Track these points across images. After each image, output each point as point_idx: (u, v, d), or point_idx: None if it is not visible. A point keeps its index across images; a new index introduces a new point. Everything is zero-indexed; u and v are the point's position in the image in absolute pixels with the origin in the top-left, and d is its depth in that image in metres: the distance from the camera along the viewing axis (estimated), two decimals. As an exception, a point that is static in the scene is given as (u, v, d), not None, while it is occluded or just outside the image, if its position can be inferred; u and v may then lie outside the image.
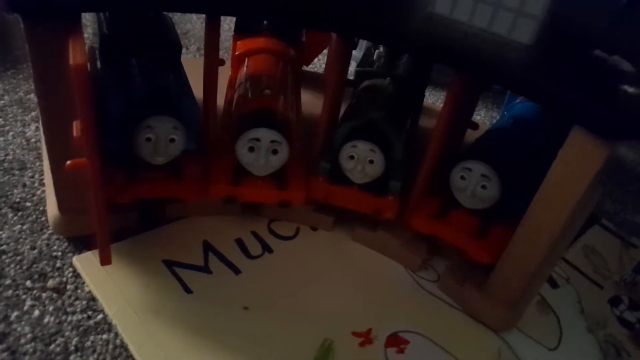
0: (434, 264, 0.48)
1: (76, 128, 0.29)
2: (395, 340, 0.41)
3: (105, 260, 0.37)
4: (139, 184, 0.42)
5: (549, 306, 0.46)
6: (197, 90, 0.43)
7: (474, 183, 0.42)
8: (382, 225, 0.48)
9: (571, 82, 0.33)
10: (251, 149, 0.42)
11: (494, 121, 0.68)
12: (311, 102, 0.55)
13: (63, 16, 0.32)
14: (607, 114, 0.31)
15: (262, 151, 0.42)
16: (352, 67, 0.52)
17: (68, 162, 0.32)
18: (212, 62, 0.41)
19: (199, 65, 0.41)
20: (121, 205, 0.42)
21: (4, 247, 0.42)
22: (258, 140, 0.42)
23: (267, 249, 0.47)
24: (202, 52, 0.42)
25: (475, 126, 0.49)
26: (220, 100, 0.50)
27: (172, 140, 0.41)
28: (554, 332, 0.44)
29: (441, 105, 0.42)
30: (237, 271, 0.44)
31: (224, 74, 0.45)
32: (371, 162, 0.43)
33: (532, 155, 0.44)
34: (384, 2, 0.40)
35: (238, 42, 0.54)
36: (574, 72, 0.34)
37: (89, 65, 0.45)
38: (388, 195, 0.45)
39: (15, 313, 0.37)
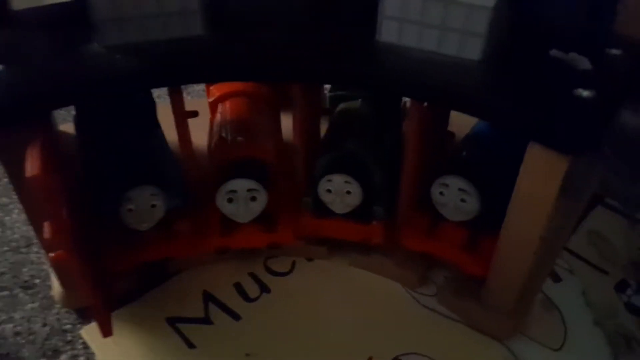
0: (433, 276, 0.48)
1: (47, 230, 0.31)
2: (398, 366, 0.42)
3: (106, 333, 0.39)
4: (132, 250, 0.44)
5: (552, 303, 0.46)
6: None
7: (453, 198, 0.42)
8: (377, 248, 0.48)
9: (523, 98, 0.33)
10: (230, 200, 0.44)
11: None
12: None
13: (24, 119, 0.34)
14: (560, 128, 0.31)
15: (240, 201, 0.43)
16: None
17: (51, 255, 0.34)
18: (181, 118, 0.41)
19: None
20: (122, 271, 0.44)
21: (18, 328, 0.45)
22: (235, 191, 0.43)
23: (264, 289, 0.48)
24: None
25: (451, 135, 0.49)
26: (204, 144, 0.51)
27: (153, 206, 0.42)
28: (558, 331, 0.44)
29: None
30: (237, 317, 0.45)
31: (205, 116, 0.46)
32: (348, 192, 0.44)
33: (512, 160, 0.44)
34: (331, 44, 0.39)
35: (211, 87, 0.55)
36: (526, 85, 0.34)
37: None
38: (372, 221, 0.45)
39: (35, 393, 0.40)
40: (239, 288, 0.48)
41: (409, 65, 0.36)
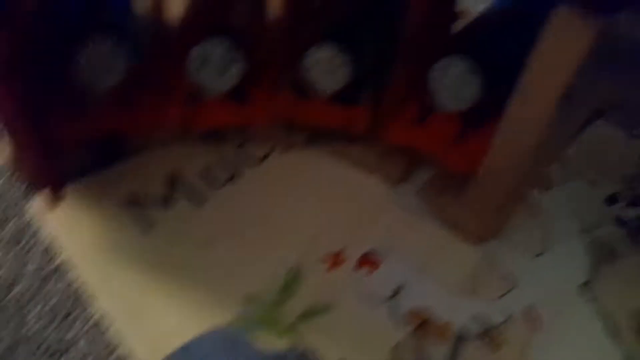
0: (417, 175, 0.45)
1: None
2: (368, 261, 0.39)
3: (54, 204, 0.35)
4: (87, 120, 0.39)
5: (539, 209, 0.44)
6: None
7: (454, 81, 0.37)
8: (360, 138, 0.44)
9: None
10: (202, 67, 0.38)
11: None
12: None
13: None
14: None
15: (212, 67, 0.38)
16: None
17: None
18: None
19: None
20: (75, 144, 0.39)
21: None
22: (208, 56, 0.38)
23: (234, 175, 0.44)
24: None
25: (454, 17, 0.43)
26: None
27: (111, 63, 0.36)
28: (542, 237, 0.42)
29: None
30: (201, 203, 0.42)
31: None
32: (336, 68, 0.39)
33: (520, 48, 0.39)
34: None
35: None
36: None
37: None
38: (358, 105, 0.41)
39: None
40: (206, 172, 0.44)
41: None
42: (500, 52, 0.38)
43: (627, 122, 0.53)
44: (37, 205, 0.40)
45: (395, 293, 0.38)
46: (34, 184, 0.40)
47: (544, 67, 0.30)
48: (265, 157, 0.45)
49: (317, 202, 0.42)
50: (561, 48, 0.28)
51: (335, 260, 0.39)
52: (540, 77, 0.30)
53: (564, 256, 0.41)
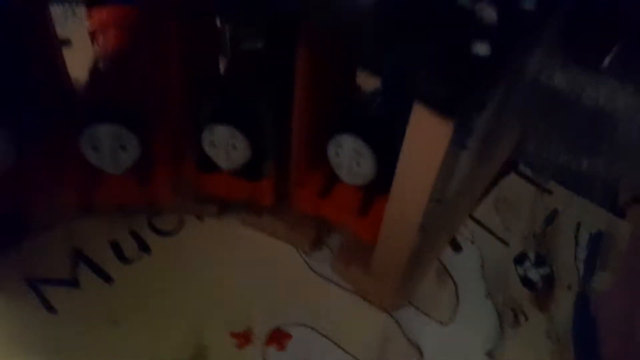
0: (329, 241, 0.45)
1: None
2: (277, 336, 0.39)
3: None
4: None
5: (448, 274, 0.44)
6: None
7: (348, 159, 0.38)
8: (270, 209, 0.44)
9: (412, 51, 0.28)
10: (95, 149, 0.38)
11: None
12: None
13: None
14: (446, 87, 0.27)
15: (106, 150, 0.38)
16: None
17: None
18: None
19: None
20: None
21: None
22: (98, 140, 0.37)
23: (145, 249, 0.43)
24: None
25: (357, 89, 0.45)
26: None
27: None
28: (450, 304, 0.42)
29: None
30: (109, 280, 0.41)
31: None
32: (234, 147, 0.39)
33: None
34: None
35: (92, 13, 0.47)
36: (420, 36, 0.29)
37: None
38: (261, 178, 0.41)
39: None
40: (115, 247, 0.43)
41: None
42: (390, 131, 0.38)
43: (540, 176, 0.54)
44: None
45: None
46: None
47: (413, 160, 0.30)
48: (177, 229, 0.45)
49: (229, 275, 0.42)
50: (424, 140, 0.29)
51: (245, 338, 0.38)
52: (411, 169, 0.31)
53: (470, 324, 0.41)
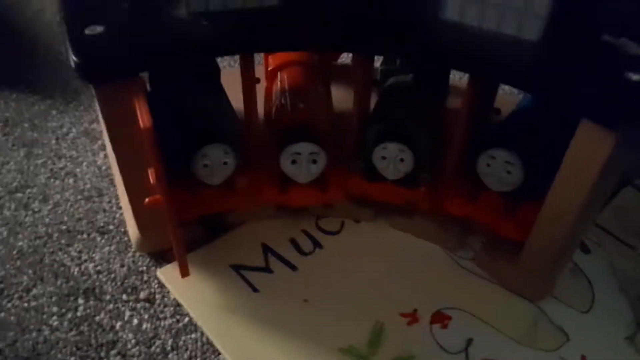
0: (471, 242, 0.53)
1: (151, 176, 0.36)
2: (439, 317, 0.46)
3: (184, 273, 0.45)
4: (200, 201, 0.49)
5: (581, 271, 0.50)
6: (235, 101, 0.49)
7: (499, 169, 0.46)
8: (419, 212, 0.53)
9: (577, 77, 0.36)
10: (293, 162, 0.48)
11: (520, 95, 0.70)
12: (343, 97, 0.59)
13: (124, 77, 0.38)
14: (610, 105, 0.34)
15: (303, 163, 0.48)
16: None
17: (146, 200, 0.39)
18: (249, 84, 0.46)
19: (234, 77, 0.46)
20: (187, 221, 0.49)
21: (99, 267, 0.50)
22: (299, 153, 0.47)
23: (317, 245, 0.53)
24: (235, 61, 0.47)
25: (497, 111, 0.52)
26: (260, 109, 0.55)
27: (225, 163, 0.47)
28: (586, 296, 0.48)
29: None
30: (294, 268, 0.50)
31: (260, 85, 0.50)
32: (402, 160, 0.48)
33: (554, 134, 0.47)
34: (394, 16, 0.43)
35: (269, 57, 0.59)
36: (579, 65, 0.37)
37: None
38: (420, 186, 0.50)
39: (119, 323, 0.46)
40: (294, 243, 0.53)
41: (469, 42, 0.39)
42: (539, 139, 0.46)
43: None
44: (162, 275, 0.49)
45: (467, 345, 0.44)
46: (164, 255, 0.49)
47: (575, 167, 0.38)
48: (339, 230, 0.54)
49: (389, 268, 0.50)
50: (586, 153, 0.36)
51: (413, 317, 0.46)
52: (574, 174, 0.38)
53: (607, 313, 0.47)
